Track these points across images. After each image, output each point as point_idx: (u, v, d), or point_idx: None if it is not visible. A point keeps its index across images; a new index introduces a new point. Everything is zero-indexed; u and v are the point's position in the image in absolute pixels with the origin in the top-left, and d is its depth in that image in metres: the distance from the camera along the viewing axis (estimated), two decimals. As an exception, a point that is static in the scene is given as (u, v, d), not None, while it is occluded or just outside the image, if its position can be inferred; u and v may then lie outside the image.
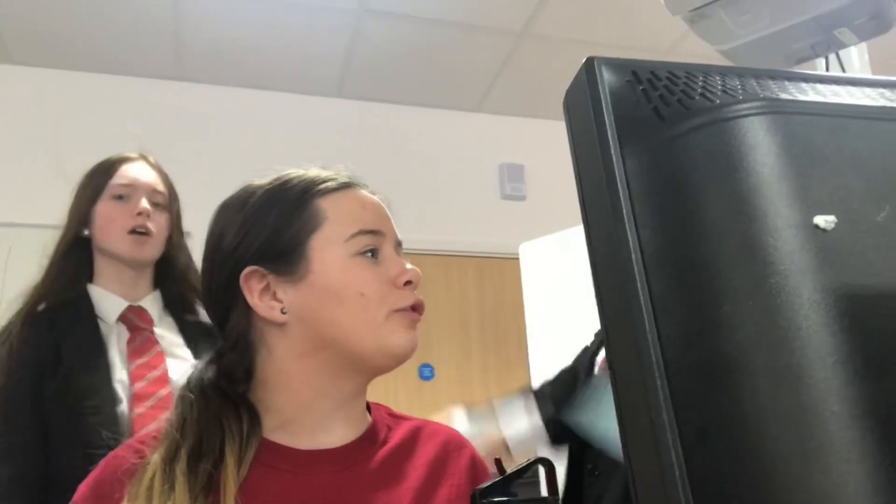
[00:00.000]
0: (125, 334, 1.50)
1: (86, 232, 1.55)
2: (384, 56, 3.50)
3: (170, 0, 3.03)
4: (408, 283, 0.86)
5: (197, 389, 0.85)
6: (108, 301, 1.52)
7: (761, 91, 0.48)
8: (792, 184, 0.44)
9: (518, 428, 1.48)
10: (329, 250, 0.84)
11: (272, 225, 0.86)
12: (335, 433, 0.86)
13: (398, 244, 0.91)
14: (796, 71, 0.52)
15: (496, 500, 0.76)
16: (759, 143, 0.45)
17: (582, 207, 0.50)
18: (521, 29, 3.36)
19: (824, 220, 0.44)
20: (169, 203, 1.60)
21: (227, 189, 0.92)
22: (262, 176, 0.93)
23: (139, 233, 1.52)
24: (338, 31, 3.30)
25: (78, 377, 1.39)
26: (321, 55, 3.46)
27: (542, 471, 0.80)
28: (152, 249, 1.56)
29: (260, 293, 0.84)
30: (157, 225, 1.55)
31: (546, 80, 3.69)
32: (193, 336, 1.56)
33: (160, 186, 1.59)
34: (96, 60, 3.36)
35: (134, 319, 1.52)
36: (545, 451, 1.47)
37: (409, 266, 0.87)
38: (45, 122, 3.30)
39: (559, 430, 1.48)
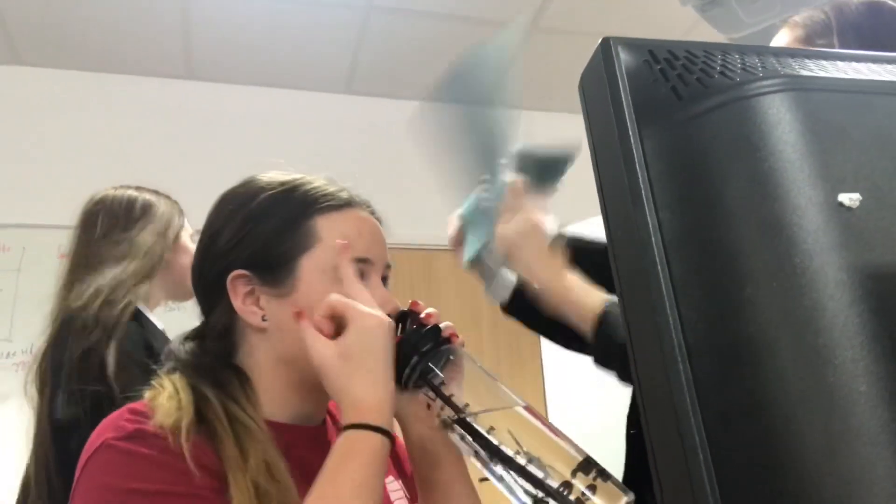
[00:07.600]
0: None
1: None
2: (392, 52, 3.49)
3: (177, -1, 3.03)
4: None
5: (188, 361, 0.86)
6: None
7: (781, 68, 0.47)
8: (815, 161, 0.43)
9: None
10: (316, 274, 0.83)
11: (268, 235, 0.85)
12: (312, 412, 0.88)
13: (387, 267, 0.90)
14: (816, 49, 0.51)
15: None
16: (781, 120, 0.44)
17: (599, 190, 0.49)
18: (529, 22, 3.34)
19: (849, 198, 0.43)
20: None
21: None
22: (270, 170, 0.92)
23: None
24: (346, 28, 3.29)
25: None
26: (329, 52, 3.45)
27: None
28: None
29: (244, 297, 0.84)
30: None
31: (553, 73, 3.66)
32: None
33: None
34: (105, 60, 3.36)
35: None
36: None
37: (385, 297, 0.85)
38: (55, 123, 3.31)
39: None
